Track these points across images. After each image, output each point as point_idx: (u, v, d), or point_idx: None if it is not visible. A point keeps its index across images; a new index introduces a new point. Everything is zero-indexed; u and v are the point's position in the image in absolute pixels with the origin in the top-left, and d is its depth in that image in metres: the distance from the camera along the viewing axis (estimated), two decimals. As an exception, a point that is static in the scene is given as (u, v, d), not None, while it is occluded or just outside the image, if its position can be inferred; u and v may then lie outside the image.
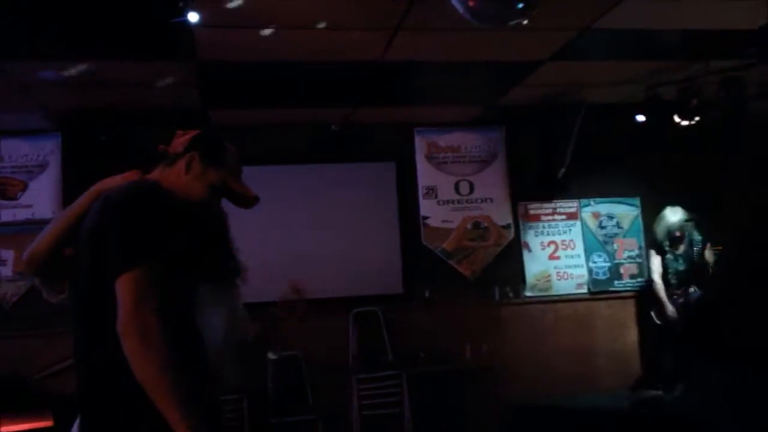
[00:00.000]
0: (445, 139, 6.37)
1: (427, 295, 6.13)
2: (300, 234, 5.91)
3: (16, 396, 4.79)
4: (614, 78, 5.32)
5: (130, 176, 1.99)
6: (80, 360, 1.85)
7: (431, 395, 5.90)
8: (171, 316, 1.71)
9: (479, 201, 6.37)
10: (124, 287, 1.66)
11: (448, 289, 6.17)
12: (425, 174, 6.32)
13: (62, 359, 5.32)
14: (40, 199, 5.61)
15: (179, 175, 1.96)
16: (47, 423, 4.53)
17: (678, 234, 5.83)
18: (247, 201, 2.06)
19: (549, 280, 6.40)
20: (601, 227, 6.55)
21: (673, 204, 5.93)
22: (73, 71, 4.48)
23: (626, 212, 6.60)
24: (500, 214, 6.39)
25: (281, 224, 5.80)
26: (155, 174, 2.00)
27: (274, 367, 5.45)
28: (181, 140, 2.01)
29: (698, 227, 5.86)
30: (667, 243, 5.88)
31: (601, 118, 5.91)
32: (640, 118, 5.53)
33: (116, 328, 1.64)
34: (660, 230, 5.92)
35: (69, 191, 5.60)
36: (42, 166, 5.66)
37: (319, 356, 5.74)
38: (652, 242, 6.08)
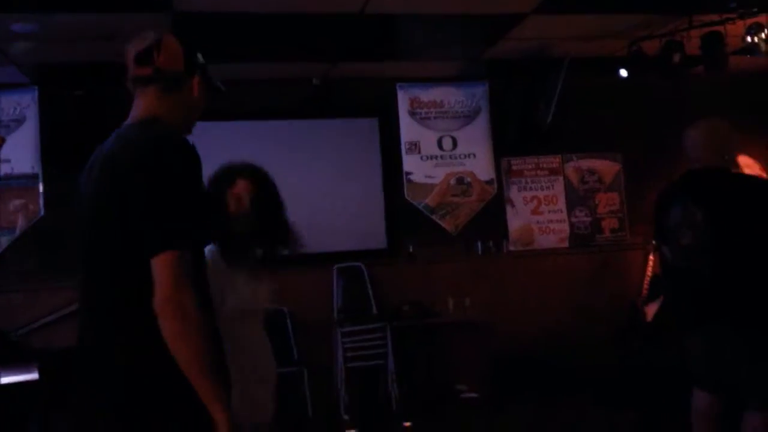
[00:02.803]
0: (428, 95, 6.32)
1: (410, 249, 6.17)
2: (282, 190, 5.87)
3: (0, 351, 4.82)
4: (597, 32, 5.27)
5: None
6: (92, 309, 1.73)
7: (415, 348, 5.98)
8: (202, 288, 1.65)
9: (462, 156, 6.36)
10: (163, 265, 1.57)
11: (431, 244, 6.21)
12: (408, 129, 6.29)
13: (46, 314, 5.36)
14: (19, 153, 5.53)
15: (190, 99, 1.85)
16: (33, 376, 4.56)
17: None
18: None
19: (531, 235, 6.45)
20: (583, 182, 6.59)
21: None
22: (46, 24, 4.39)
23: (608, 167, 6.63)
24: (483, 169, 6.39)
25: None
26: (151, 103, 1.80)
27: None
28: (168, 56, 1.80)
29: None
30: None
31: (584, 72, 5.88)
32: (623, 72, 5.52)
33: (151, 305, 1.57)
34: None
35: (47, 145, 5.55)
36: (19, 121, 5.56)
37: (303, 310, 5.78)
38: None
